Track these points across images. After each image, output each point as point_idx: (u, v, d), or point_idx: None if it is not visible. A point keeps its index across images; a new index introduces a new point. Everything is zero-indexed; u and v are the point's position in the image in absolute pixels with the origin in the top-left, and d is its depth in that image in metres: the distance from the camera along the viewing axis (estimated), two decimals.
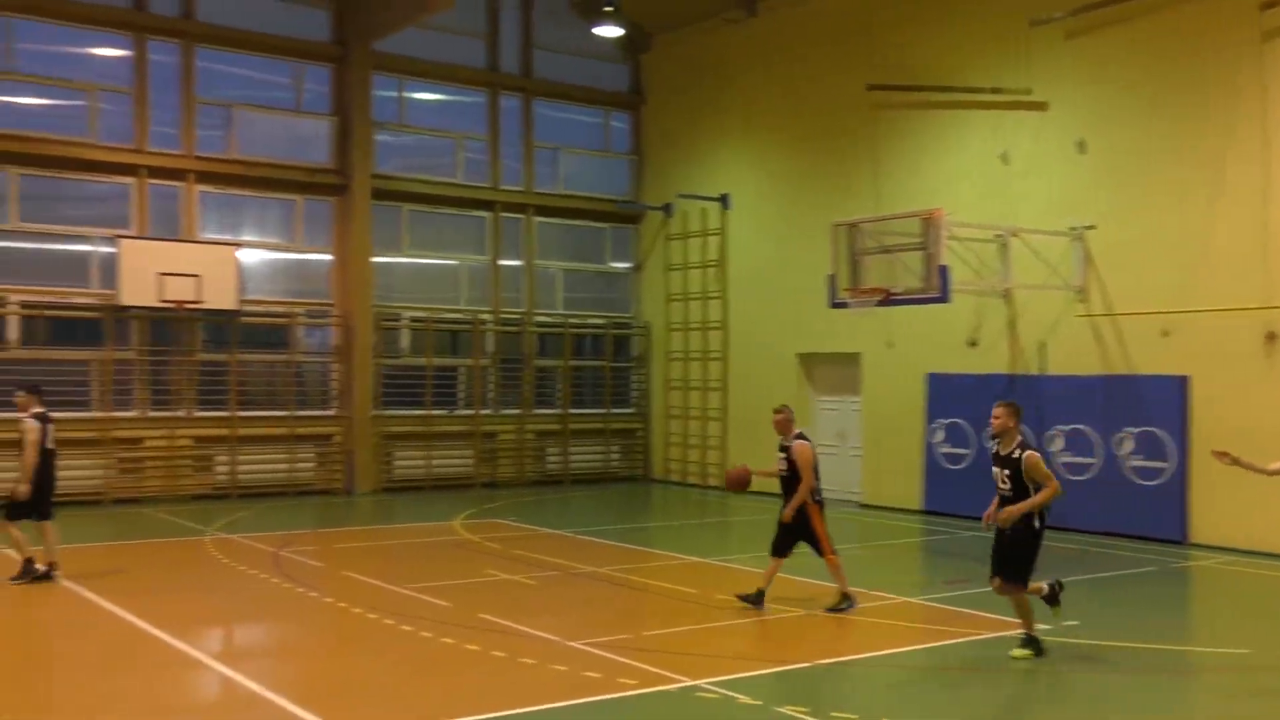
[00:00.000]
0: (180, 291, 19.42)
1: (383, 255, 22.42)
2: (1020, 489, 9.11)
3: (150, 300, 19.32)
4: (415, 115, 23.16)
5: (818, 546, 11.03)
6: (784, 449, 11.10)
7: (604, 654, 9.25)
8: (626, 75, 25.50)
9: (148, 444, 19.98)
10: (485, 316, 23.56)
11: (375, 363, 22.09)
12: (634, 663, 8.96)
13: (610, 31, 23.13)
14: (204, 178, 20.71)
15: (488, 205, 23.64)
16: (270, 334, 21.71)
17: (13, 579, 12.19)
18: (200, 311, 20.07)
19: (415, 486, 22.10)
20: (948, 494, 18.35)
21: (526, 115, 24.19)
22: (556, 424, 24.23)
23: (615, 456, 24.96)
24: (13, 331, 19.10)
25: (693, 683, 8.38)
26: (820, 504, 11.12)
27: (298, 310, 21.80)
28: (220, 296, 19.92)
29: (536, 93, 24.28)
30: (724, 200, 23.12)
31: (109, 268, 19.51)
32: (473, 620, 10.44)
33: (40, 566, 12.29)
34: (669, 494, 23.12)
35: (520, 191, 24.02)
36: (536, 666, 8.89)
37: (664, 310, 24.72)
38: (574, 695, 8.11)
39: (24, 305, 19.11)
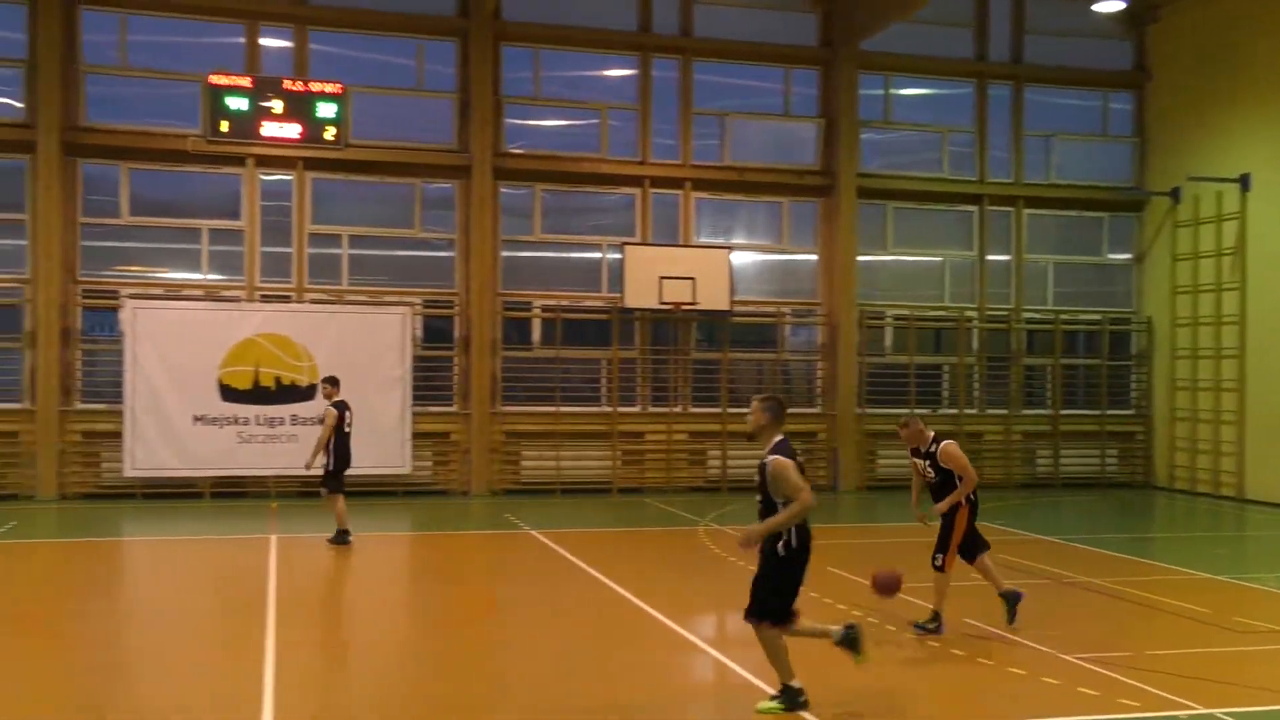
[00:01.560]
0: (677, 294, 20.65)
1: (867, 254, 22.52)
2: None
3: (651, 302, 20.71)
4: (900, 111, 23.04)
5: (942, 550, 10.17)
6: (926, 455, 10.34)
7: (1100, 670, 8.70)
8: (1129, 52, 23.78)
9: (648, 438, 21.45)
10: (970, 313, 22.96)
11: (859, 361, 22.24)
12: (1135, 683, 8.35)
13: (1111, 6, 21.77)
14: (699, 185, 21.89)
15: (974, 199, 23.00)
16: (758, 333, 22.53)
17: (330, 539, 14.51)
18: (695, 312, 21.22)
19: (898, 485, 21.97)
20: None
21: (1016, 103, 23.27)
22: (1046, 425, 23.10)
23: (1112, 460, 23.38)
24: (536, 333, 21.29)
25: (1206, 710, 7.66)
26: (974, 506, 10.29)
27: (785, 310, 22.45)
28: (713, 297, 20.94)
29: (1027, 79, 23.27)
30: (1243, 181, 20.90)
31: (616, 273, 21.15)
32: (959, 625, 10.21)
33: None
34: (1174, 503, 21.30)
35: (1009, 183, 23.15)
36: (1026, 678, 8.54)
37: (1169, 304, 22.79)
38: (1069, 712, 7.71)
39: (545, 309, 21.22)
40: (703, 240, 21.93)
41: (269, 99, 19.43)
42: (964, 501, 10.20)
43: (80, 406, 19.14)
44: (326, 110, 19.66)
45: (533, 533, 16.10)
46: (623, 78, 21.88)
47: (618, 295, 21.02)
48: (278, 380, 19.19)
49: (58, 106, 18.80)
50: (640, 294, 20.67)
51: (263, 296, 19.90)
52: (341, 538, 14.54)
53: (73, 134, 19.05)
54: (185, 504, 18.56)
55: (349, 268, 20.52)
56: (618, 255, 21.08)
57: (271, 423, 19.08)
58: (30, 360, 18.84)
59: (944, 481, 10.24)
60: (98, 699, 8.20)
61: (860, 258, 22.29)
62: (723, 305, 21.18)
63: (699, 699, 8.75)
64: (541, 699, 8.21)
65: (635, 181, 21.60)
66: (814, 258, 22.54)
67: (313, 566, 13.67)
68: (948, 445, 10.21)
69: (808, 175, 22.29)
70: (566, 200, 21.75)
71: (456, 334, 20.79)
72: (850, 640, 7.98)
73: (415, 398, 19.85)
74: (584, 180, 21.50)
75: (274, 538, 14.98)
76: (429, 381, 20.48)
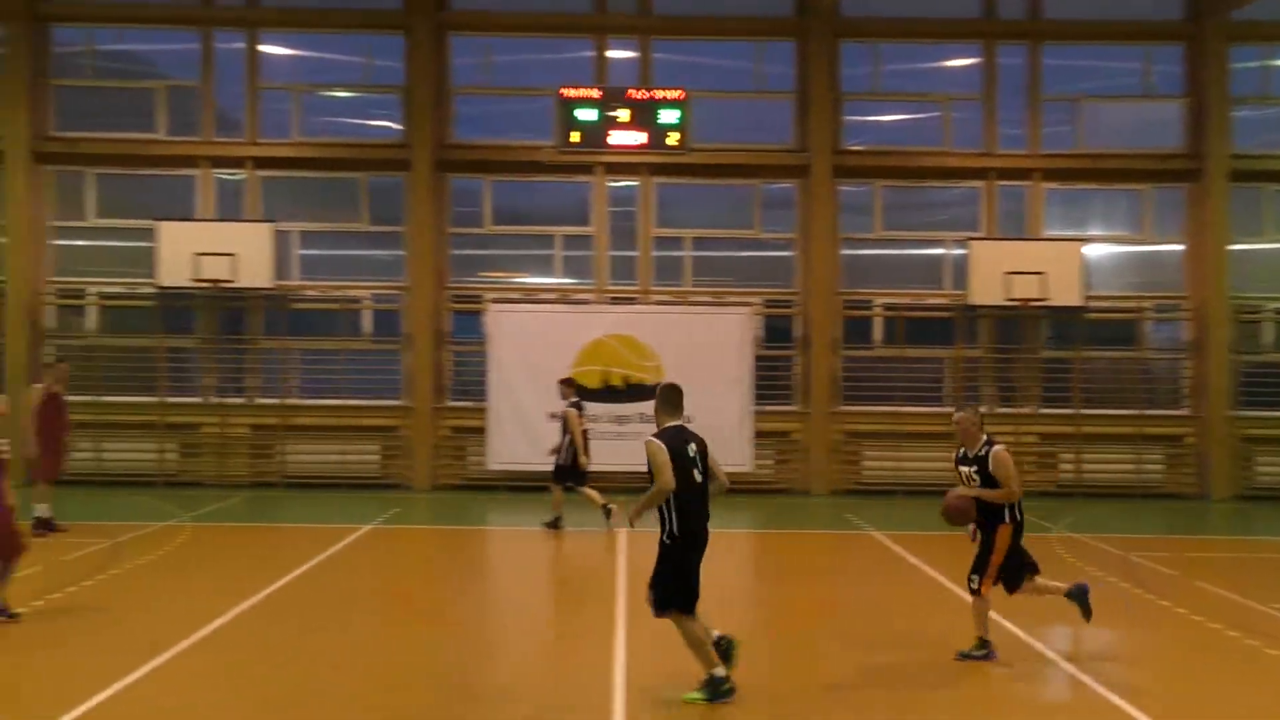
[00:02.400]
0: (1026, 289, 19.75)
1: (1241, 242, 20.67)
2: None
3: (997, 299, 19.93)
4: (1278, 85, 21.01)
5: (979, 572, 9.15)
6: (975, 459, 9.30)
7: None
8: None
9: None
10: None
11: (1233, 359, 20.44)
12: None
13: None
14: (1050, 174, 20.86)
15: None
16: (1115, 330, 21.17)
17: (544, 524, 15.81)
18: (1045, 309, 20.23)
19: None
20: None
21: None
22: None
23: None
24: (877, 332, 21.01)
25: None
26: (1018, 525, 9.18)
27: (1145, 305, 20.98)
28: (1065, 293, 19.88)
29: None
30: None
31: (960, 269, 20.51)
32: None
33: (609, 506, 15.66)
34: None
35: None
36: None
37: None
38: None
39: (886, 307, 20.89)
40: (1053, 233, 20.87)
41: (616, 108, 20.27)
42: (1008, 519, 9.14)
43: (450, 404, 20.70)
44: (669, 116, 20.27)
45: (873, 533, 15.90)
46: (966, 67, 21.19)
47: (962, 292, 20.37)
48: (625, 379, 19.97)
49: (430, 127, 20.43)
50: (985, 290, 19.94)
51: (611, 298, 20.78)
52: (556, 524, 15.78)
53: (443, 151, 20.64)
54: (541, 497, 19.64)
55: (692, 269, 21.05)
56: (961, 251, 20.44)
57: (620, 420, 19.87)
58: (408, 361, 20.57)
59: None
60: (464, 674, 8.83)
61: (1233, 247, 20.49)
62: (1075, 301, 20.06)
63: (1051, 714, 8.33)
64: (879, 699, 8.10)
65: (980, 174, 20.87)
66: (1179, 248, 20.94)
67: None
68: (999, 451, 9.20)
69: (1171, 159, 20.73)
70: (908, 196, 21.33)
71: (796, 333, 20.86)
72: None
73: (756, 397, 20.08)
74: (926, 175, 21.00)
75: (622, 531, 15.59)
76: (769, 381, 20.66)
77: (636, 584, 11.91)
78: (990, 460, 9.20)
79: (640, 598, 11.16)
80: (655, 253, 20.98)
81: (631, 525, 8.33)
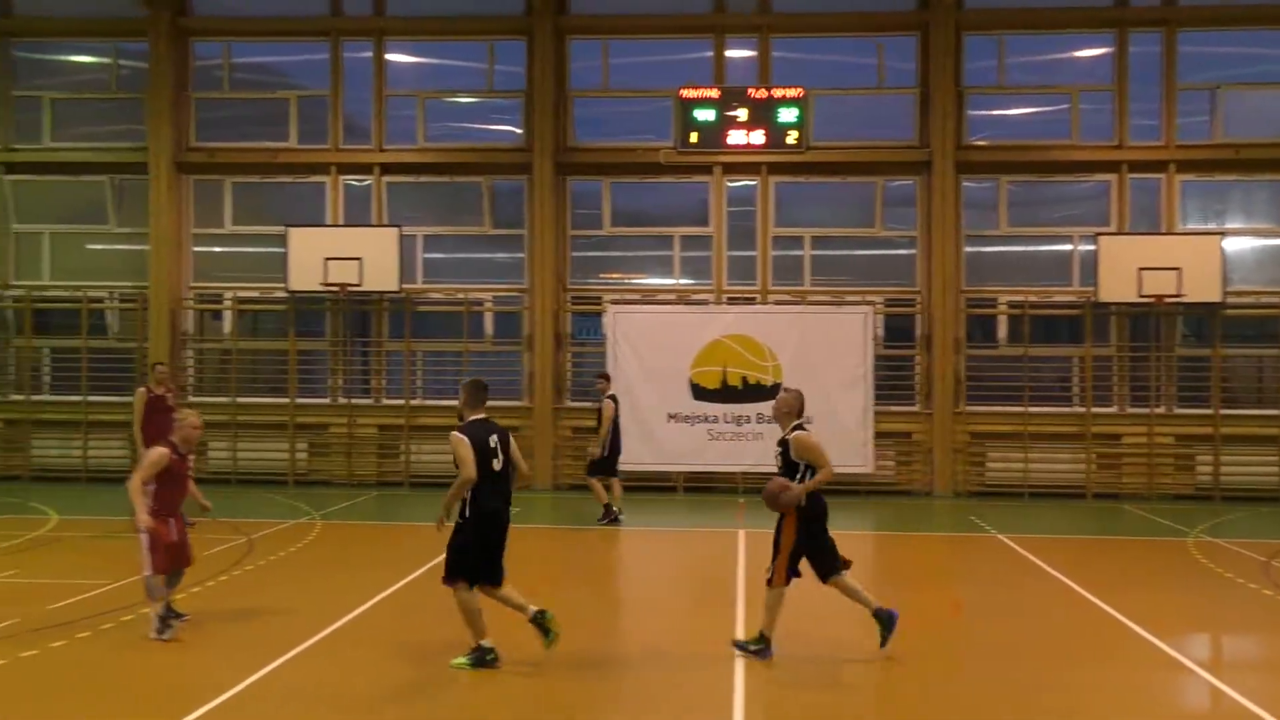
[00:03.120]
0: (1159, 285, 19.09)
1: None
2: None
3: (1129, 295, 19.29)
4: None
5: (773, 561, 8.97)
6: (780, 443, 9.17)
7: None
8: None
9: (1126, 440, 20.00)
10: None
11: None
12: None
13: None
14: (1185, 166, 20.12)
15: None
16: (1259, 326, 20.31)
17: (599, 520, 16.20)
18: (1180, 305, 19.51)
19: None
20: None
21: None
22: None
23: None
24: (1001, 330, 20.53)
25: None
26: (813, 512, 8.97)
27: None
28: (1202, 288, 19.14)
29: None
30: None
31: (1088, 265, 19.91)
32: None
33: (616, 510, 16.32)
34: None
35: None
36: None
37: None
38: None
39: (1011, 305, 20.40)
40: (1190, 227, 20.13)
41: (734, 108, 20.22)
42: (794, 510, 8.88)
43: (570, 404, 20.89)
44: (788, 115, 20.14)
45: (999, 536, 15.54)
46: (1095, 57, 20.57)
47: (1090, 289, 19.78)
48: (744, 380, 19.90)
49: (550, 130, 20.66)
50: (1116, 287, 19.32)
51: (729, 299, 20.74)
52: (610, 515, 16.29)
53: (563, 154, 20.85)
54: (660, 497, 19.72)
55: (811, 268, 20.87)
56: (1090, 246, 19.85)
57: (739, 420, 19.81)
58: (529, 362, 20.83)
59: (789, 478, 9.00)
60: (580, 671, 8.90)
61: None
62: (1214, 297, 19.30)
63: None
64: (1004, 707, 7.92)
65: (1110, 167, 20.23)
66: None
67: None
68: (798, 435, 9.03)
69: None
70: (1033, 191, 20.79)
71: (918, 332, 20.52)
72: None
73: (877, 397, 19.80)
74: (1053, 169, 20.46)
75: (741, 532, 15.54)
76: (891, 381, 20.36)
77: (758, 591, 11.86)
78: (791, 445, 9.05)
79: (756, 603, 11.12)
80: (774, 252, 20.86)
81: (440, 525, 8.83)
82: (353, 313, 21.22)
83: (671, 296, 21.05)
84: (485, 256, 21.49)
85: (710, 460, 19.91)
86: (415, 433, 20.61)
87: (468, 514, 8.75)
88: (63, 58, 22.05)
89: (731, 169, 20.78)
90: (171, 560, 9.57)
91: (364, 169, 21.23)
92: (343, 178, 21.31)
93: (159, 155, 20.93)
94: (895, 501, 19.46)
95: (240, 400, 20.80)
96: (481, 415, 9.04)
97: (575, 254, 21.24)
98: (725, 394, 19.89)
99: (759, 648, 8.99)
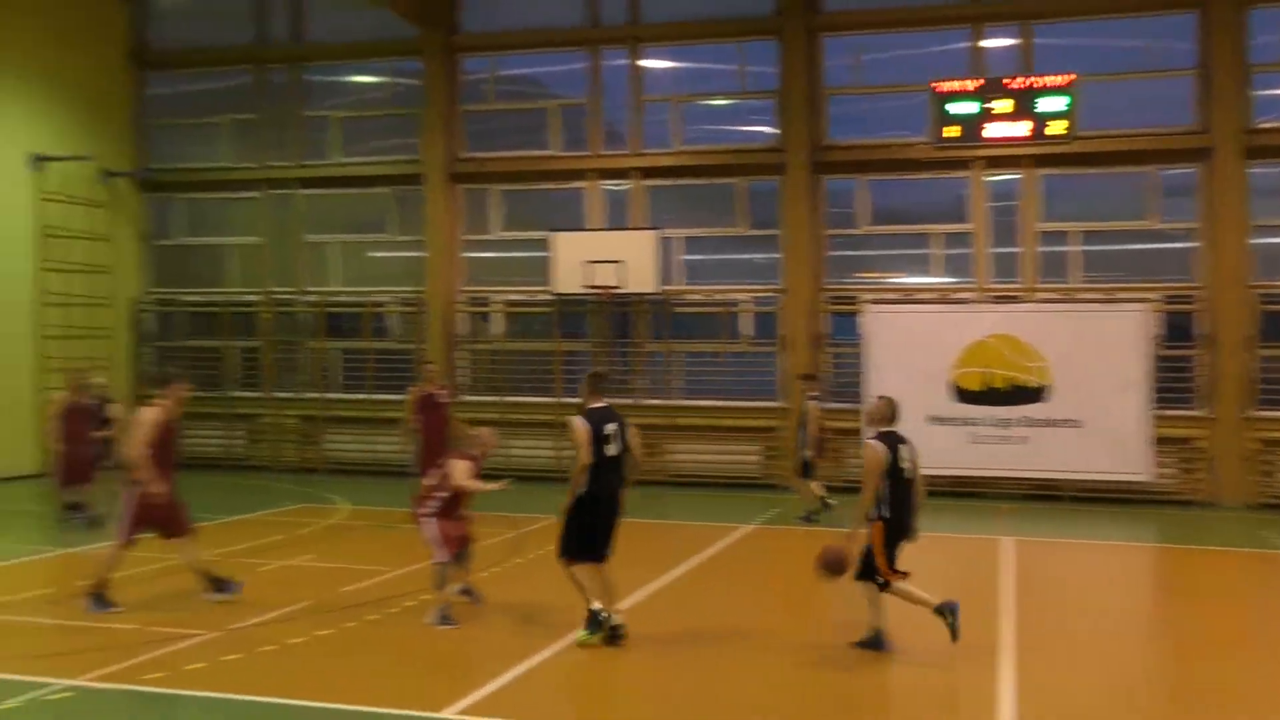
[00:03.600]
0: None
1: None
2: None
3: None
4: None
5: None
6: None
7: None
8: None
9: None
10: None
11: None
12: None
13: None
14: None
15: None
16: None
17: (800, 518, 16.45)
18: None
19: None
20: None
21: None
22: None
23: None
24: None
25: None
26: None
27: None
28: None
29: None
30: None
31: None
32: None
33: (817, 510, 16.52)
34: None
35: None
36: None
37: None
38: None
39: None
40: None
41: (994, 99, 19.55)
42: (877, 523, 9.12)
43: (826, 405, 20.71)
44: (1054, 104, 19.27)
45: None
46: None
47: None
48: (1009, 381, 19.21)
49: (804, 129, 20.60)
50: None
51: (993, 297, 20.09)
52: (813, 516, 16.36)
53: (817, 153, 20.75)
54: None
55: (1081, 265, 19.94)
56: None
57: (1003, 424, 19.16)
58: (784, 363, 20.84)
59: None
60: (847, 683, 8.87)
61: None
62: None
63: None
64: None
65: None
66: None
67: (1046, 572, 13.51)
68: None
69: None
70: None
71: (1200, 331, 19.24)
72: (594, 624, 9.19)
73: (1155, 400, 18.69)
74: None
75: (1005, 539, 15.04)
76: (1170, 383, 19.17)
77: (1024, 601, 11.47)
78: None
79: (1027, 614, 10.75)
80: (1040, 248, 20.05)
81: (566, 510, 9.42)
82: (614, 314, 21.82)
83: (932, 295, 20.58)
84: (742, 257, 21.65)
85: (972, 464, 19.33)
86: (674, 432, 20.98)
87: (584, 495, 9.30)
88: (347, 79, 23.67)
89: (992, 162, 20.12)
90: (456, 546, 10.20)
91: (623, 174, 21.80)
92: (602, 183, 21.95)
93: (433, 167, 22.17)
94: (1176, 512, 18.30)
95: (508, 399, 21.75)
96: (601, 403, 9.57)
97: (831, 253, 21.09)
98: (988, 396, 19.27)
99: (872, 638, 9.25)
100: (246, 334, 23.67)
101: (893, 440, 9.30)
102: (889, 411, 9.57)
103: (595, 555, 9.44)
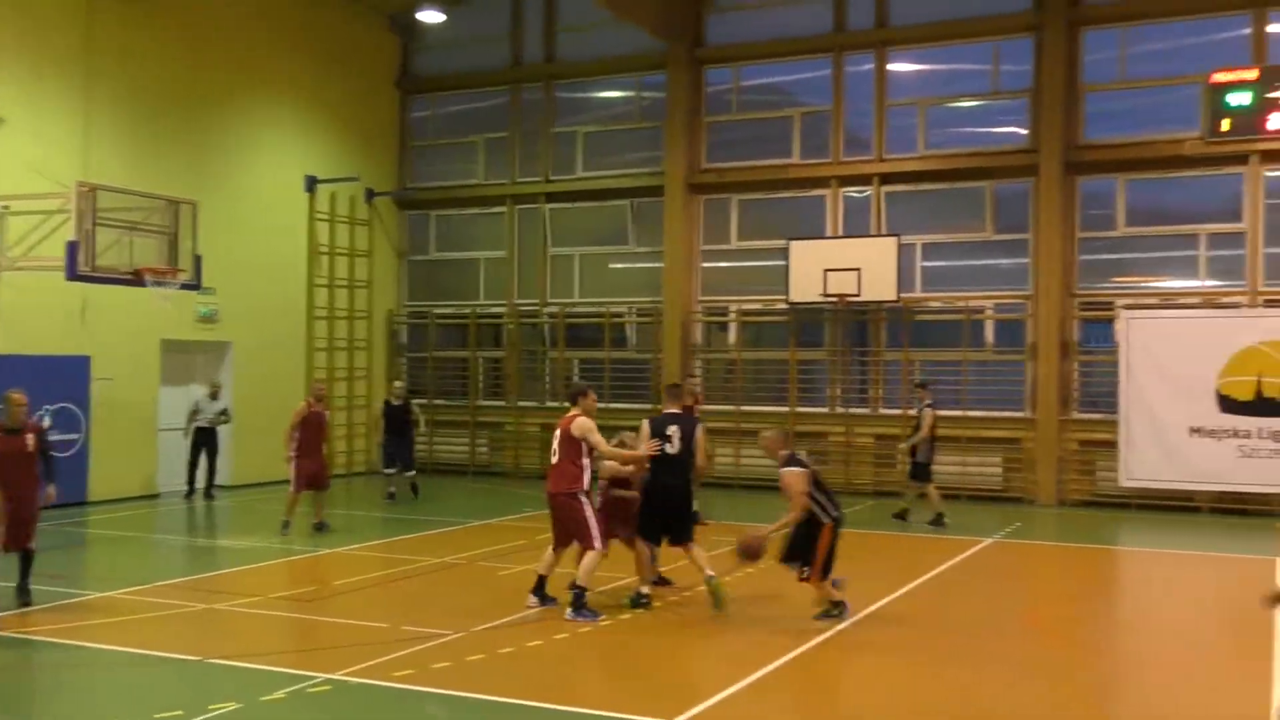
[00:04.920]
0: None
1: None
2: None
3: None
4: None
5: None
6: None
7: None
8: None
9: None
10: None
11: None
12: None
13: None
14: None
15: None
16: None
17: (929, 523, 16.58)
18: None
19: None
20: None
21: None
22: None
23: None
24: None
25: None
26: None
27: None
28: None
29: None
30: None
31: None
32: None
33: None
34: None
35: None
36: None
37: None
38: None
39: None
40: None
41: (1277, 89, 18.12)
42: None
43: (1077, 416, 19.77)
44: None
45: None
46: None
47: None
48: None
49: (1059, 128, 19.69)
50: None
51: (1266, 301, 18.64)
52: (940, 521, 16.55)
53: (1073, 153, 19.79)
54: (1179, 517, 18.13)
55: None
56: None
57: (1277, 436, 17.74)
58: (1031, 372, 19.96)
59: None
60: (1103, 702, 8.39)
61: None
62: None
63: None
64: None
65: None
66: None
67: None
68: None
69: None
70: None
71: None
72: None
73: None
74: None
75: None
76: None
77: None
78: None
79: None
80: None
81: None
82: (851, 323, 21.48)
83: (1196, 300, 19.26)
84: (986, 263, 20.89)
85: (1241, 480, 17.98)
86: None
87: (646, 484, 10.89)
88: (592, 94, 24.27)
89: (1271, 157, 18.66)
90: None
91: (864, 180, 21.44)
92: (843, 190, 21.64)
93: (674, 178, 22.42)
94: None
95: (744, 408, 21.74)
96: (674, 409, 11.15)
97: (1084, 257, 20.08)
98: (1260, 406, 17.88)
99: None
100: (493, 345, 24.61)
101: (800, 462, 10.47)
102: (783, 439, 10.85)
103: (653, 537, 10.96)
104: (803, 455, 10.59)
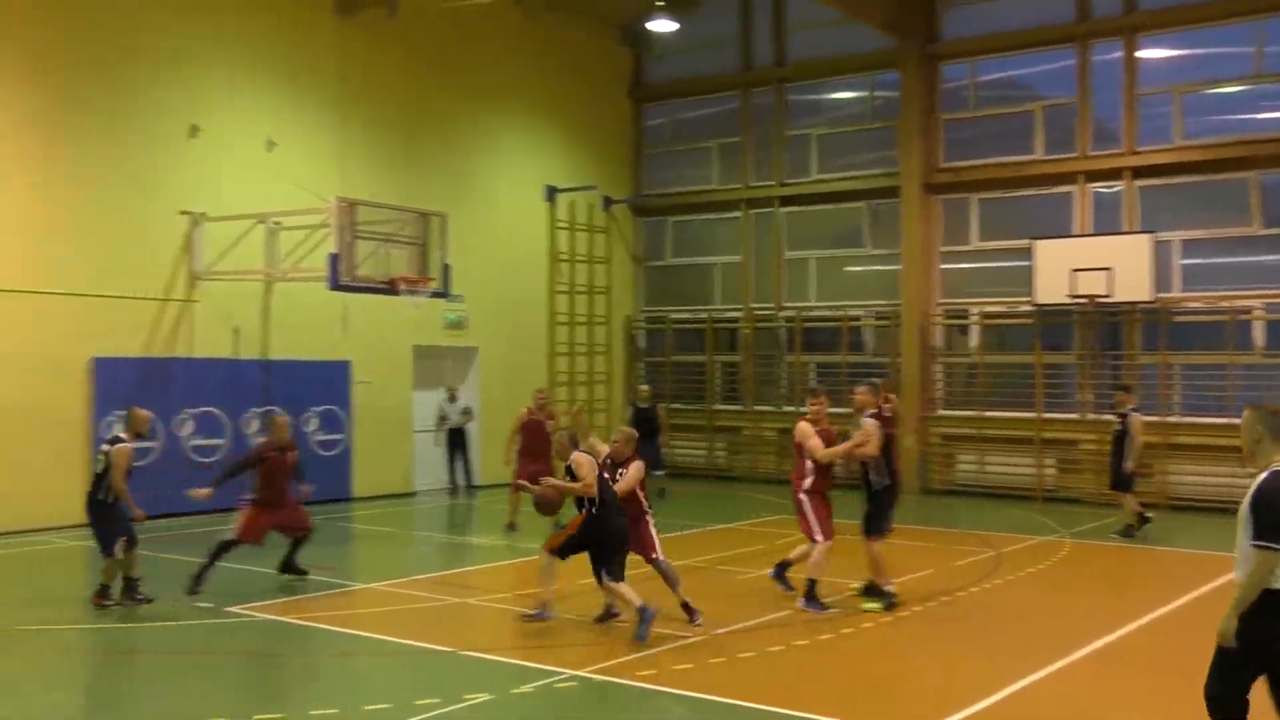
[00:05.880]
0: None
1: None
2: None
3: None
4: None
5: None
6: None
7: None
8: None
9: None
10: None
11: None
12: None
13: None
14: None
15: None
16: None
17: (1117, 532, 16.14)
18: None
19: None
20: None
21: None
22: None
23: None
24: None
25: None
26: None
27: None
28: None
29: None
30: None
31: None
32: None
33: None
34: None
35: None
36: None
37: None
38: None
39: None
40: None
41: None
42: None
43: None
44: None
45: None
46: None
47: None
48: None
49: None
50: None
51: None
52: (1129, 531, 16.05)
53: None
54: None
55: None
56: None
57: None
58: None
59: None
60: None
61: None
62: None
63: None
64: None
65: None
66: None
67: None
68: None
69: None
70: None
71: None
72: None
73: None
74: None
75: None
76: None
77: None
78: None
79: None
80: None
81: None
82: (1102, 325, 20.49)
83: None
84: (1254, 260, 19.49)
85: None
86: (1171, 451, 19.30)
87: (888, 484, 11.40)
88: (824, 96, 24.06)
89: None
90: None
91: (1113, 174, 20.41)
92: (1090, 185, 20.67)
93: (910, 178, 21.94)
94: None
95: (986, 414, 21.05)
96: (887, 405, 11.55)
97: None
98: None
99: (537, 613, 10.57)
100: (729, 349, 24.72)
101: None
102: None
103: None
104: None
